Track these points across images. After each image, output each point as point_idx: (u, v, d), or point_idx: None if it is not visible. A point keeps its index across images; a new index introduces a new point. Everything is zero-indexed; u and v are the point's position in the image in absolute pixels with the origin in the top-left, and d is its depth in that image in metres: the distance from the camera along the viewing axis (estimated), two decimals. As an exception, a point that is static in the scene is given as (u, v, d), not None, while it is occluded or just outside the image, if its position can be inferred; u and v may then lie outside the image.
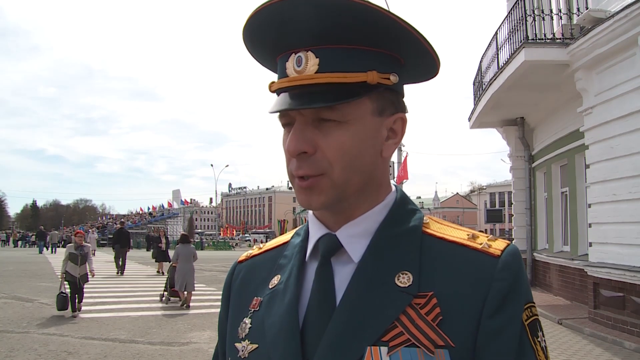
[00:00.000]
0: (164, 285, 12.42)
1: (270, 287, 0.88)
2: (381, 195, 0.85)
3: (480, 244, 0.79)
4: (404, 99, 0.87)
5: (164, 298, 12.07)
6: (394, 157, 17.65)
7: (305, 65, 0.77)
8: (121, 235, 20.15)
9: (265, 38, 0.81)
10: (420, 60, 0.83)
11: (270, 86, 0.83)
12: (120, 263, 19.19)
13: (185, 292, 11.39)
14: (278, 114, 0.81)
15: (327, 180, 0.78)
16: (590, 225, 9.59)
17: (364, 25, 0.75)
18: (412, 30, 0.76)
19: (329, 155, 0.77)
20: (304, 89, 0.77)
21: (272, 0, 0.74)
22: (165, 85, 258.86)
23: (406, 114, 0.86)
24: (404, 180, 18.16)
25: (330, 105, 0.76)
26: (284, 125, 0.82)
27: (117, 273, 18.98)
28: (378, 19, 0.74)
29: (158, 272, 19.17)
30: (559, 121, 12.28)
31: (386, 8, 0.74)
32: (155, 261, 19.66)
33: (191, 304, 11.38)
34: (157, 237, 20.87)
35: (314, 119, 0.78)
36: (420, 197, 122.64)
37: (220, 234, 73.83)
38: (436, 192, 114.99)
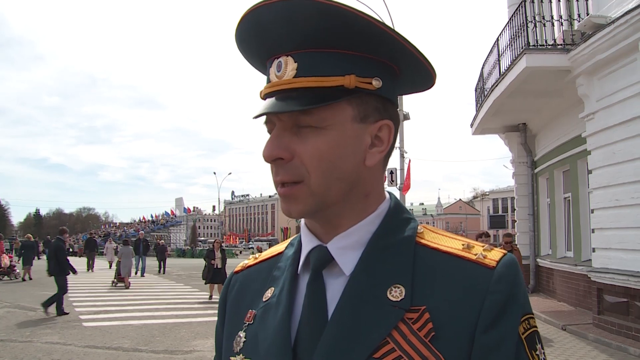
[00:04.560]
0: (114, 275, 18.35)
1: (264, 300, 0.86)
2: (371, 205, 0.83)
3: (475, 254, 0.77)
4: (396, 108, 0.85)
5: (113, 284, 17.72)
6: (397, 165, 17.56)
7: (285, 70, 0.76)
8: (90, 242, 27.66)
9: (252, 44, 0.81)
10: (412, 68, 0.82)
11: (260, 93, 0.83)
12: (91, 262, 25.19)
13: (126, 277, 17.35)
14: (265, 120, 0.81)
15: (305, 188, 0.77)
16: (593, 231, 9.57)
17: (342, 30, 0.73)
18: (393, 34, 0.75)
19: (306, 162, 0.76)
20: (282, 93, 0.77)
21: (253, 7, 0.74)
22: (167, 94, 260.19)
23: (395, 122, 0.83)
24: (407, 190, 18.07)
25: (306, 110, 0.74)
26: (268, 131, 0.81)
27: (88, 271, 24.45)
28: (355, 23, 0.72)
29: (210, 297, 14.16)
30: (561, 127, 12.29)
31: (367, 13, 0.72)
32: (206, 283, 14.40)
33: (195, 312, 11.73)
34: (210, 250, 14.73)
35: (293, 125, 0.77)
36: (423, 204, 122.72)
37: (223, 242, 73.63)
38: (439, 198, 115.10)
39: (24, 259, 19.78)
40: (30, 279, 19.31)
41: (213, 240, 15.92)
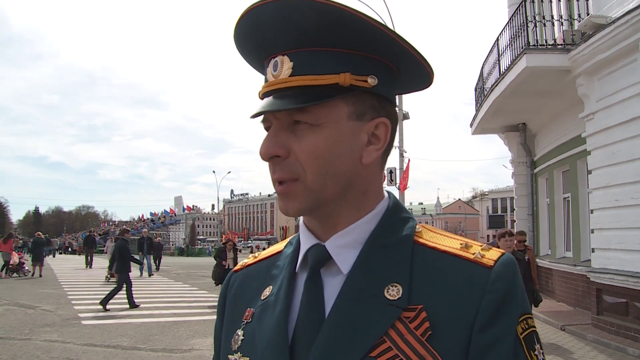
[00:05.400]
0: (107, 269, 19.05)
1: (262, 298, 0.86)
2: (369, 204, 0.83)
3: (473, 253, 0.76)
4: (394, 106, 0.85)
5: (107, 279, 18.57)
6: (396, 164, 17.53)
7: (281, 69, 0.77)
8: (89, 240, 29.57)
9: (249, 44, 0.81)
10: (410, 67, 0.82)
11: (258, 93, 0.84)
12: (89, 259, 26.48)
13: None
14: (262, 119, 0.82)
15: (301, 186, 0.77)
16: (592, 231, 9.56)
17: (337, 28, 0.74)
18: (389, 32, 0.75)
19: (302, 159, 0.76)
20: (278, 92, 0.77)
21: (251, 7, 0.74)
22: (167, 93, 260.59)
23: (392, 120, 0.83)
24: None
25: (301, 107, 0.75)
26: (265, 129, 0.81)
27: (87, 267, 25.41)
28: (350, 21, 0.73)
29: None
30: (560, 127, 12.27)
31: (362, 12, 0.72)
32: (216, 284, 13.35)
33: (193, 311, 11.77)
34: (221, 249, 13.45)
35: (290, 123, 0.77)
36: (422, 203, 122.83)
37: (222, 240, 73.68)
38: (438, 198, 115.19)
39: (34, 256, 20.39)
40: (40, 276, 19.75)
41: (225, 241, 14.52)
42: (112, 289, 11.92)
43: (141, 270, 21.54)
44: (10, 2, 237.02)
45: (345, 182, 0.79)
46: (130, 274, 12.10)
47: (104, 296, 11.68)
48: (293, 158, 0.77)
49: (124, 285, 11.90)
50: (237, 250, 13.91)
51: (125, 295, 11.89)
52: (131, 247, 18.78)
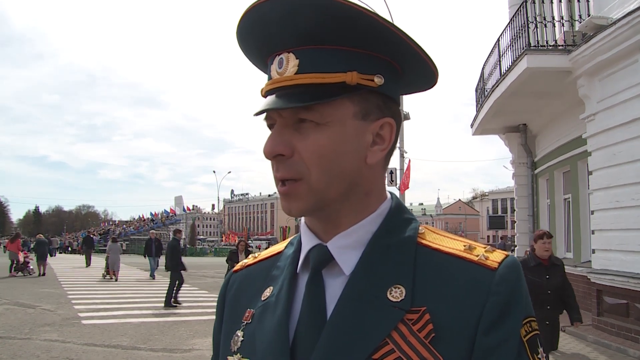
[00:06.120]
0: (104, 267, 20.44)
1: (262, 299, 0.85)
2: (372, 204, 0.82)
3: (477, 255, 0.76)
4: (398, 106, 0.84)
5: (104, 277, 19.69)
6: (397, 164, 17.54)
7: (286, 66, 0.76)
8: (88, 240, 31.44)
9: (253, 41, 0.80)
10: (415, 66, 0.81)
11: (261, 91, 0.83)
12: (88, 259, 27.79)
13: (114, 271, 19.21)
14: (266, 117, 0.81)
15: (305, 186, 0.76)
16: (593, 232, 9.56)
17: (344, 26, 0.73)
18: (397, 31, 0.74)
19: (306, 158, 0.75)
20: (283, 90, 0.76)
21: (255, 3, 0.73)
22: (167, 92, 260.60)
23: (397, 121, 0.82)
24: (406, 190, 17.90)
25: (307, 106, 0.74)
26: (268, 127, 0.80)
27: (87, 266, 26.70)
28: (358, 19, 0.72)
29: None
30: (561, 128, 12.27)
31: (370, 9, 0.72)
32: None
33: (193, 311, 11.78)
34: (234, 251, 11.90)
35: (294, 121, 0.76)
36: (422, 204, 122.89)
37: (222, 240, 73.78)
38: (438, 198, 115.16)
39: (39, 255, 20.92)
40: (44, 274, 20.18)
41: (237, 241, 14.28)
42: (167, 289, 12.30)
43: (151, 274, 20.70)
44: (11, 1, 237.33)
45: (349, 182, 0.78)
46: (182, 272, 12.44)
47: (165, 299, 12.13)
48: (297, 157, 0.76)
49: (177, 282, 12.31)
50: (250, 252, 13.33)
51: (167, 292, 12.23)
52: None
